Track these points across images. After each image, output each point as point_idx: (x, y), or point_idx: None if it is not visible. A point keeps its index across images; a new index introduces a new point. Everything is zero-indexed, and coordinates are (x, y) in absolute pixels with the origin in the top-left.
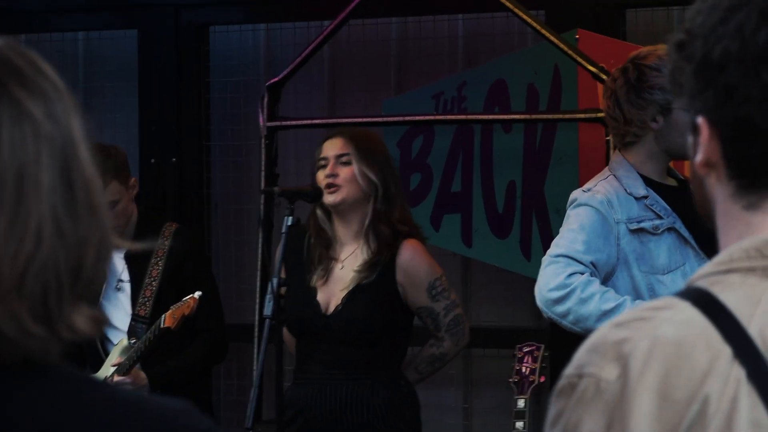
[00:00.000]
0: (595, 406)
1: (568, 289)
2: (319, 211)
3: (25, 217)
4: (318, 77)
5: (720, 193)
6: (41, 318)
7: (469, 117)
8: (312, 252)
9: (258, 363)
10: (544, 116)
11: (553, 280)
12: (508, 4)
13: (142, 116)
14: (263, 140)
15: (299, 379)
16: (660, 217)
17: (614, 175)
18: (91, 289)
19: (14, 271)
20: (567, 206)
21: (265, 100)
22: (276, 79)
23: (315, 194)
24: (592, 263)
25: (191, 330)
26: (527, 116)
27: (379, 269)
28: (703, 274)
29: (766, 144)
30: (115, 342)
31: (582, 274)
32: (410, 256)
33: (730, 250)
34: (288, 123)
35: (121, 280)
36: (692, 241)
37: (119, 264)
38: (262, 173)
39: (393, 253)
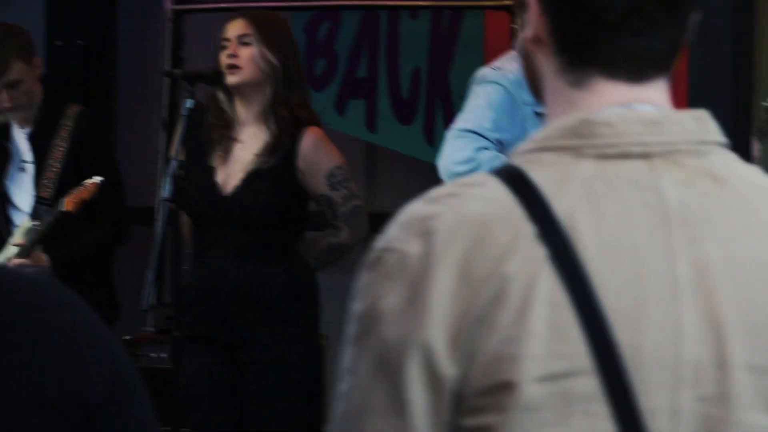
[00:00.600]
0: (398, 280)
1: (474, 164)
2: (219, 92)
3: None
4: None
5: (548, 69)
6: None
7: (376, 2)
8: (212, 132)
9: (155, 245)
10: (451, 2)
11: (459, 153)
12: None
13: None
14: (169, 24)
15: (198, 263)
16: None
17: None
18: None
19: None
20: (474, 82)
21: None
22: None
23: (215, 77)
24: (498, 141)
25: (92, 213)
26: (434, 2)
27: (280, 154)
28: (521, 150)
29: (588, 19)
30: (18, 223)
31: (488, 149)
32: (312, 143)
33: (547, 128)
34: (195, 6)
35: (24, 161)
36: None
37: (23, 144)
38: (168, 57)
39: (294, 139)
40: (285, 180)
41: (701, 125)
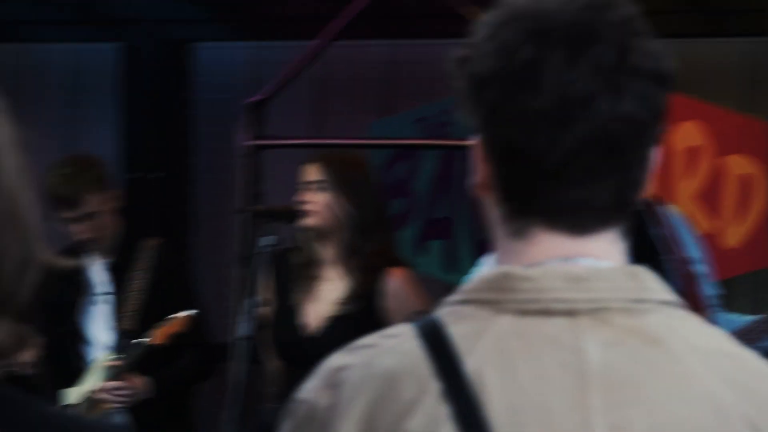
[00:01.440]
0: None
1: None
2: (303, 231)
3: None
4: (305, 97)
5: (494, 216)
6: None
7: (455, 142)
8: (296, 270)
9: (232, 383)
10: None
11: None
12: None
13: (125, 131)
14: (241, 159)
15: (279, 402)
16: None
17: None
18: (11, 303)
19: None
20: None
21: (246, 117)
22: (257, 97)
23: (290, 216)
24: None
25: (177, 345)
26: None
27: (361, 299)
28: (449, 301)
29: (527, 166)
30: (95, 355)
31: None
32: (398, 285)
33: (473, 280)
34: (270, 142)
35: (102, 293)
36: None
37: (100, 275)
38: (242, 192)
39: (377, 281)
40: (368, 324)
41: (636, 282)
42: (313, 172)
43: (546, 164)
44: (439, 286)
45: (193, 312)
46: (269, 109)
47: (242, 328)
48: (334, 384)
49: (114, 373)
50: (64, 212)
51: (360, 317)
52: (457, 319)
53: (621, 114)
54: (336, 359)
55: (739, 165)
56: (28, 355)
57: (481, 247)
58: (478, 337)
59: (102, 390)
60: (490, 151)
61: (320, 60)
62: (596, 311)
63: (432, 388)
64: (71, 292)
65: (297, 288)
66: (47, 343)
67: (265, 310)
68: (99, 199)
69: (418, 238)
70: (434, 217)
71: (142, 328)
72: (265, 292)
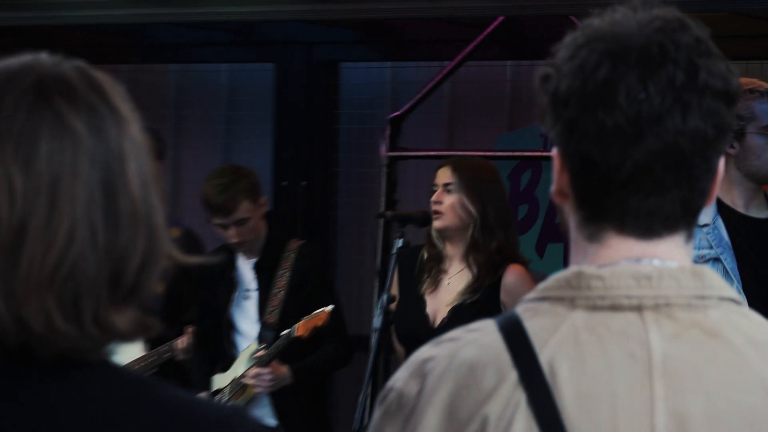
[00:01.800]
0: (395, 418)
1: None
2: (433, 231)
3: (57, 222)
4: (438, 113)
5: (571, 221)
6: (72, 317)
7: None
8: (424, 266)
9: (368, 371)
10: None
11: None
12: None
13: (276, 142)
14: (384, 168)
15: None
16: (711, 248)
17: None
18: (135, 294)
19: (43, 270)
20: None
21: (387, 131)
22: (397, 113)
23: (423, 220)
24: None
25: (316, 338)
26: None
27: (482, 291)
28: (526, 299)
29: (600, 177)
30: (244, 346)
31: None
32: (514, 279)
33: (549, 279)
34: (407, 153)
35: (248, 289)
36: (735, 276)
37: (248, 274)
38: (382, 199)
39: (497, 275)
40: (486, 314)
41: (699, 281)
42: (443, 175)
43: (618, 175)
44: None
45: (331, 307)
46: (407, 124)
47: (377, 321)
48: (421, 374)
49: (259, 361)
50: (219, 218)
51: (480, 308)
52: (534, 315)
53: (689, 130)
54: (423, 351)
55: None
56: (181, 343)
57: None
58: (553, 331)
59: (248, 376)
60: (568, 162)
61: (452, 79)
62: (661, 307)
63: (509, 376)
64: (223, 287)
65: (423, 282)
66: (200, 332)
67: (395, 305)
68: (250, 206)
69: (539, 241)
70: (554, 222)
71: (285, 321)
72: (394, 288)
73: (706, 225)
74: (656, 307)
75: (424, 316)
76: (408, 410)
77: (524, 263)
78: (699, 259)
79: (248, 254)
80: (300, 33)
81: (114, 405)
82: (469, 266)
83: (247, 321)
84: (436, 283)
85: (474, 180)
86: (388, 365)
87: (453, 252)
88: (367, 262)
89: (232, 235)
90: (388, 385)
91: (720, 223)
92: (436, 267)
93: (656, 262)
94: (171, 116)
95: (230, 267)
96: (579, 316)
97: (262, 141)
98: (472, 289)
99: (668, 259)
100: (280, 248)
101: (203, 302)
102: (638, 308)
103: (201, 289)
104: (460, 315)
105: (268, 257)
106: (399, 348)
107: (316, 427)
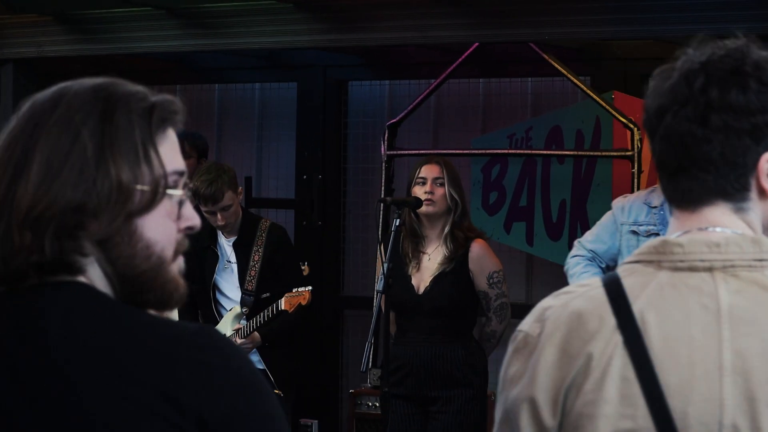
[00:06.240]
0: (522, 354)
1: (567, 266)
2: (412, 216)
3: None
4: (425, 120)
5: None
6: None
7: (534, 152)
8: (405, 247)
9: (372, 325)
10: (588, 153)
11: (568, 257)
12: (563, 71)
13: (298, 145)
14: (383, 164)
15: (399, 342)
16: (655, 225)
17: (654, 189)
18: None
19: (36, 206)
20: None
21: (386, 135)
22: (394, 120)
23: (416, 204)
24: (592, 250)
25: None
26: (575, 153)
27: (456, 261)
28: (626, 261)
29: (664, 171)
30: (228, 308)
31: (582, 257)
32: (479, 250)
33: (643, 246)
34: (401, 152)
35: (229, 261)
36: None
37: (228, 249)
38: (382, 188)
39: (466, 248)
40: (461, 279)
41: (758, 247)
42: (433, 171)
43: (666, 169)
44: (521, 255)
45: (310, 288)
46: (401, 129)
47: (379, 285)
48: (542, 319)
49: (241, 333)
50: (208, 206)
51: (455, 275)
52: (630, 274)
53: (741, 136)
54: (544, 302)
55: None
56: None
57: (552, 227)
58: (644, 287)
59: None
60: (654, 157)
61: (437, 93)
62: (727, 268)
63: (609, 322)
64: (209, 259)
65: (408, 265)
66: (190, 294)
67: (391, 274)
68: (232, 195)
69: (506, 221)
70: (518, 206)
71: (262, 287)
72: (391, 260)
73: (655, 207)
74: (724, 268)
75: (410, 287)
76: (531, 347)
77: (485, 238)
78: (646, 233)
79: (228, 234)
80: (317, 58)
81: (91, 315)
82: (444, 243)
83: (230, 287)
84: (418, 263)
85: (456, 176)
86: (387, 321)
87: (431, 233)
88: (370, 239)
89: (218, 219)
90: (518, 328)
91: (667, 206)
92: (416, 248)
93: (718, 229)
94: (215, 125)
95: (213, 243)
96: (664, 276)
97: (287, 144)
98: (447, 260)
99: (729, 226)
100: (253, 228)
101: (190, 271)
102: (710, 269)
103: (189, 260)
104: (440, 282)
105: (245, 235)
106: (394, 311)
107: (292, 368)
